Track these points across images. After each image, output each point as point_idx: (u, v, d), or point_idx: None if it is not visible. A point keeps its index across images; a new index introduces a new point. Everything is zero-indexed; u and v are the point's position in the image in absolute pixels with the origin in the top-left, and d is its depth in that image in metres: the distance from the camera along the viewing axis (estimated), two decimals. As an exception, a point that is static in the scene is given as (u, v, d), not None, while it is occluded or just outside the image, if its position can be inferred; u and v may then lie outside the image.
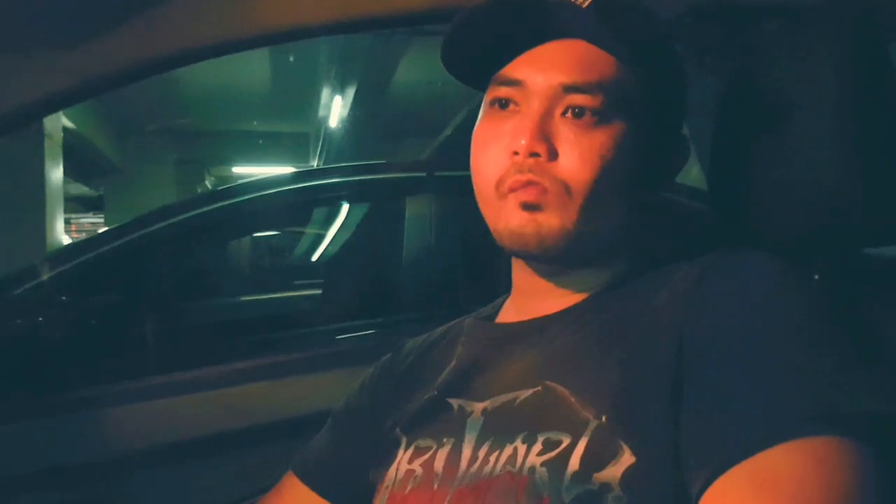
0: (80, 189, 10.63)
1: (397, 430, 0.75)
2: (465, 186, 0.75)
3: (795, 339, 0.56)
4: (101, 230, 8.40)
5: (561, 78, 0.66)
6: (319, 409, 1.49)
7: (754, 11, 1.08)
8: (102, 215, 10.79)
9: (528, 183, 0.65)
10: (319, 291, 2.55)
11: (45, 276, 1.66)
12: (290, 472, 0.88)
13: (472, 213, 0.73)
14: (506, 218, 0.67)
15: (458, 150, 0.71)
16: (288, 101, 8.67)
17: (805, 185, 0.72)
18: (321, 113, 8.76)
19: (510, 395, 0.66)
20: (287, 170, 7.51)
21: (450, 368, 0.75)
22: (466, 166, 0.72)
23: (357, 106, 7.50)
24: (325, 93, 8.01)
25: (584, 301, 0.71)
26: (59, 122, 6.24)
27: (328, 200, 2.50)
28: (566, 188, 0.65)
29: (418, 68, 6.37)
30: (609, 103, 0.66)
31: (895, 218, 0.72)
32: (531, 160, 0.65)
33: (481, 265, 0.62)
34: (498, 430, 0.65)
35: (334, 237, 2.72)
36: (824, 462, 0.50)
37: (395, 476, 0.71)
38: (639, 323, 0.64)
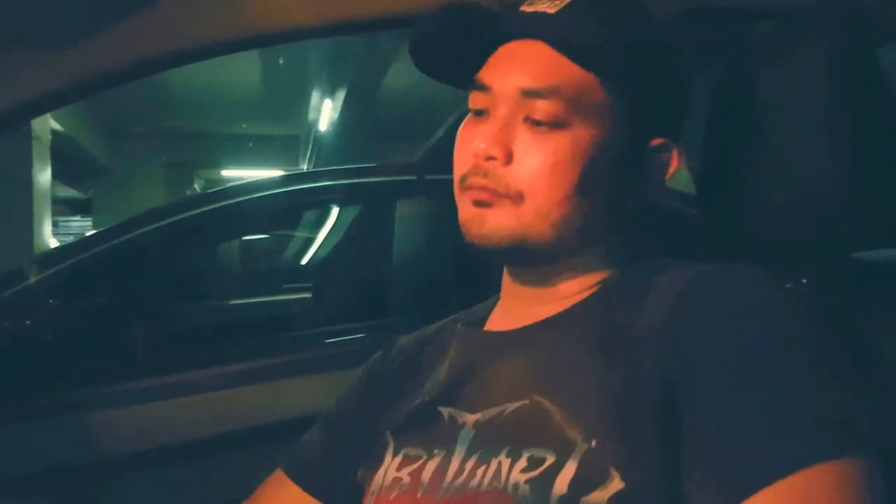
0: (69, 192, 10.57)
1: (387, 433, 0.75)
2: (455, 190, 0.75)
3: (799, 360, 0.56)
4: (89, 233, 8.35)
5: (521, 82, 0.68)
6: (309, 413, 1.49)
7: (745, 14, 1.09)
8: (91, 218, 10.74)
9: (483, 187, 0.68)
10: (309, 295, 2.55)
11: (32, 279, 1.65)
12: (279, 471, 0.88)
13: (462, 217, 0.74)
14: (461, 211, 0.70)
15: (449, 153, 0.72)
16: (278, 104, 8.65)
17: (795, 189, 0.72)
18: (311, 116, 8.74)
19: (498, 408, 0.66)
20: (277, 173, 7.49)
21: (441, 374, 0.75)
22: (457, 170, 0.73)
23: (347, 109, 7.48)
24: (315, 96, 7.99)
25: (571, 308, 0.71)
26: (48, 124, 6.20)
27: (318, 203, 2.50)
28: (519, 193, 0.67)
29: (409, 71, 6.34)
30: (569, 108, 0.66)
31: (885, 222, 0.72)
32: (488, 164, 0.67)
33: (472, 268, 0.62)
34: (485, 443, 0.65)
35: (324, 240, 2.72)
36: (847, 483, 0.51)
37: (382, 482, 0.71)
38: (625, 338, 0.63)
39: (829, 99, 0.71)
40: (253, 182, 2.18)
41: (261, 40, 0.86)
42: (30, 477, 1.26)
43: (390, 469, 0.71)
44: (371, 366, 0.87)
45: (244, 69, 7.16)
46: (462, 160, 0.71)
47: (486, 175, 0.68)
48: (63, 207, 11.42)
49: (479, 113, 0.71)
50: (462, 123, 0.74)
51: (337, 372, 1.52)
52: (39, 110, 0.85)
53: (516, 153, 0.67)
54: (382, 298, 2.15)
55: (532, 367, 0.67)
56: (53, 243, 6.35)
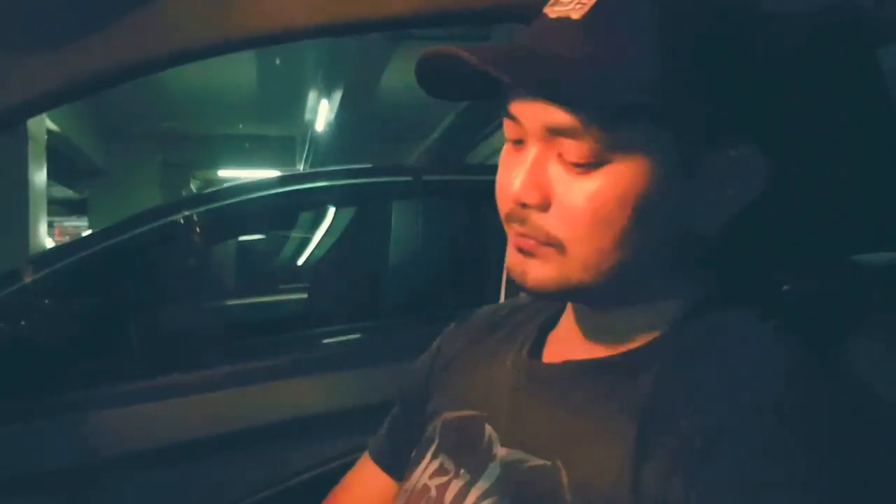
0: (64, 192, 10.56)
1: (438, 424, 0.75)
2: (452, 191, 0.74)
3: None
4: (84, 233, 8.34)
5: (545, 117, 0.59)
6: (304, 413, 1.49)
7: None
8: (86, 218, 10.72)
9: (523, 234, 0.61)
10: (305, 296, 2.54)
11: (27, 280, 1.65)
12: (366, 453, 0.89)
13: (459, 218, 0.73)
14: (508, 250, 0.64)
15: (446, 154, 0.70)
16: (274, 105, 8.65)
17: (791, 190, 0.73)
18: (307, 117, 8.74)
19: (524, 454, 0.65)
20: (273, 173, 7.48)
21: (493, 386, 0.73)
22: (453, 171, 0.71)
23: (344, 110, 7.49)
24: (312, 96, 8.00)
25: (621, 356, 0.64)
26: (43, 124, 6.20)
27: (314, 204, 2.50)
28: (559, 243, 0.60)
29: (406, 72, 6.36)
30: (605, 146, 0.57)
31: (885, 224, 0.72)
32: (524, 210, 0.61)
33: (468, 269, 0.61)
34: (502, 489, 0.65)
35: (320, 241, 2.72)
36: None
37: (415, 486, 0.72)
38: (659, 425, 0.58)
39: (828, 99, 0.72)
40: (249, 183, 2.18)
41: (257, 41, 0.86)
42: (23, 478, 1.25)
43: (427, 471, 0.72)
44: (443, 339, 0.86)
45: (241, 70, 7.16)
46: (501, 197, 0.64)
47: (523, 222, 0.61)
48: (59, 208, 11.42)
49: (517, 143, 0.63)
50: (503, 149, 0.66)
51: (334, 372, 1.52)
52: (35, 110, 0.85)
53: (554, 196, 0.59)
54: (378, 299, 2.15)
55: (564, 421, 0.64)
56: (49, 243, 6.34)
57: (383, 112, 7.68)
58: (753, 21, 0.63)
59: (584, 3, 0.58)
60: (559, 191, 0.59)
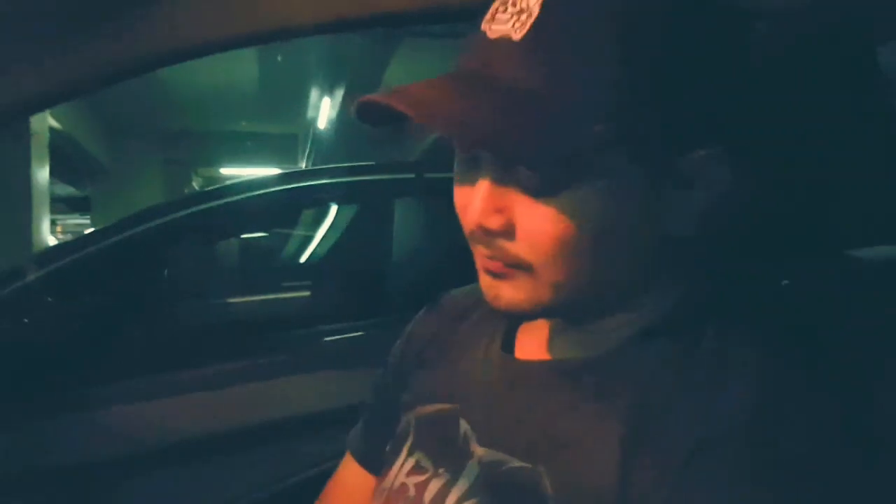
0: (67, 190, 10.56)
1: (411, 416, 0.74)
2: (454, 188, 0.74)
3: None
4: (87, 231, 8.35)
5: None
6: (307, 411, 1.49)
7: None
8: (89, 216, 10.73)
9: (489, 257, 0.58)
10: (307, 293, 2.54)
11: (30, 278, 1.65)
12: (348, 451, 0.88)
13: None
14: (479, 271, 0.61)
15: (448, 151, 0.69)
16: (276, 102, 8.65)
17: (792, 184, 0.72)
18: (310, 114, 8.74)
19: (504, 456, 0.63)
20: (275, 171, 7.50)
21: (467, 379, 0.72)
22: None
23: (346, 107, 7.48)
24: (314, 94, 7.99)
25: (609, 353, 0.62)
26: (46, 121, 6.20)
27: (317, 202, 2.49)
28: (528, 265, 0.56)
29: (408, 69, 6.35)
30: (562, 174, 0.53)
31: (882, 218, 0.72)
32: (486, 236, 0.57)
33: (470, 267, 0.60)
34: (483, 490, 0.63)
35: (322, 239, 2.72)
36: None
37: (393, 484, 0.71)
38: (644, 426, 0.56)
39: (826, 96, 0.71)
40: (251, 180, 2.17)
41: (259, 37, 0.86)
42: (25, 475, 1.26)
43: (403, 469, 0.71)
44: (415, 324, 0.84)
45: (243, 67, 7.16)
46: (461, 215, 0.60)
47: (488, 245, 0.57)
48: (61, 205, 11.43)
49: (468, 161, 0.59)
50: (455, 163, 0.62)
51: (336, 370, 1.52)
52: (37, 107, 0.85)
53: (516, 220, 0.56)
54: (381, 297, 2.15)
55: (549, 425, 0.61)
56: (52, 241, 6.34)
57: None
58: (719, 18, 0.57)
59: (523, 22, 0.53)
60: (521, 214, 0.55)
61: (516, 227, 0.56)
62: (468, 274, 0.63)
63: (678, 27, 0.54)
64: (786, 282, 0.75)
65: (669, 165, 0.56)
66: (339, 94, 7.27)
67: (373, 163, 2.16)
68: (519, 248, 0.56)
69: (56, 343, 1.64)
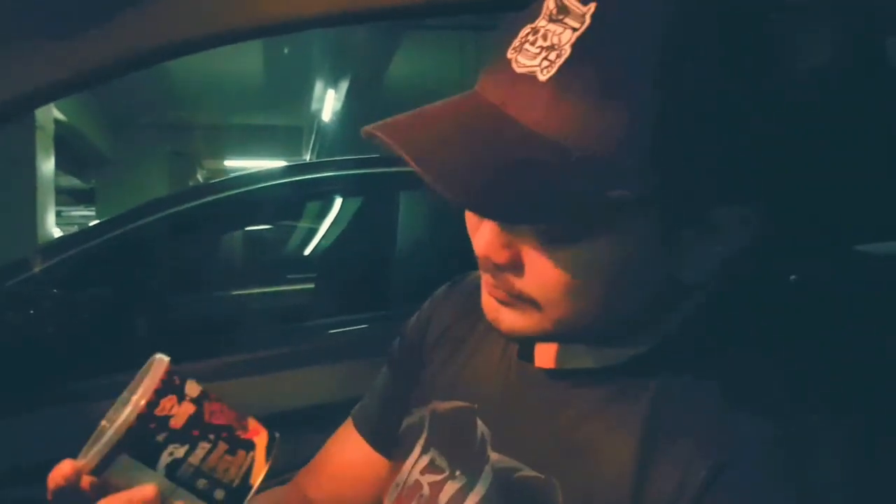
0: (72, 182, 10.58)
1: (424, 411, 0.73)
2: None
3: None
4: (92, 223, 8.37)
5: None
6: (311, 403, 1.49)
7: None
8: (94, 208, 10.75)
9: (496, 286, 0.56)
10: (312, 286, 2.55)
11: (36, 269, 1.65)
12: (349, 419, 0.85)
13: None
14: (482, 290, 0.60)
15: None
16: (281, 95, 8.64)
17: (798, 180, 0.72)
18: (314, 106, 8.73)
19: (517, 463, 0.62)
20: (280, 163, 7.50)
21: (485, 380, 0.71)
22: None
23: (351, 99, 7.48)
24: (319, 86, 7.98)
25: (625, 365, 0.60)
26: (51, 113, 6.22)
27: (321, 194, 2.49)
28: (534, 301, 0.55)
29: (413, 62, 6.35)
30: (577, 227, 0.51)
31: (889, 214, 0.72)
32: (494, 269, 0.55)
33: (475, 260, 0.60)
34: (497, 497, 0.63)
35: (327, 231, 2.72)
36: None
37: (407, 479, 0.70)
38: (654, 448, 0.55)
39: (835, 89, 0.71)
40: (256, 172, 2.17)
41: (265, 30, 0.86)
42: (32, 468, 1.26)
43: (417, 465, 0.70)
44: (435, 304, 0.81)
45: (248, 59, 7.16)
46: (471, 236, 0.58)
47: (495, 276, 0.56)
48: (67, 197, 11.45)
49: None
50: None
51: (340, 363, 1.52)
52: (43, 100, 0.85)
53: (524, 259, 0.54)
54: (386, 289, 2.15)
55: (558, 434, 0.61)
56: (57, 233, 6.36)
57: (390, 101, 7.66)
58: (755, 72, 0.52)
59: (551, 62, 0.49)
60: (529, 253, 0.53)
61: (524, 264, 0.54)
62: (473, 267, 0.63)
63: (714, 87, 0.49)
64: (794, 277, 0.75)
65: (691, 220, 0.53)
66: (344, 86, 7.26)
67: (377, 155, 2.15)
68: (525, 284, 0.54)
69: (61, 334, 1.64)
